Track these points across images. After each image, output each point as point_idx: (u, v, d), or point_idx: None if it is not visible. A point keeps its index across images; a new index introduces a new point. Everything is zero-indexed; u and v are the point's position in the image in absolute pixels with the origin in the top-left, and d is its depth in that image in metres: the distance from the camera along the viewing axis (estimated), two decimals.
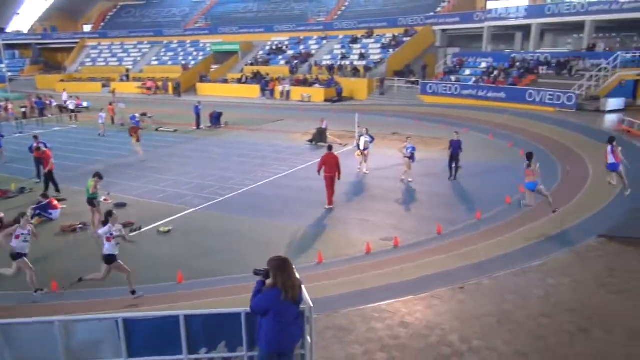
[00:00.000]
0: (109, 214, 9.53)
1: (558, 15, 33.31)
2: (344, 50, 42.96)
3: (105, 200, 14.88)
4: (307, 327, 5.05)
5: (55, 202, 14.21)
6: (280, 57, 46.10)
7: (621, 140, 16.14)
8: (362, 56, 41.06)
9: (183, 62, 50.25)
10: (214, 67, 48.08)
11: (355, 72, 39.05)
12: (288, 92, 39.17)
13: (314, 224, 13.50)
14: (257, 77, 42.69)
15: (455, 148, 16.56)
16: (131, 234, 12.52)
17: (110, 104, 31.19)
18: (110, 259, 9.36)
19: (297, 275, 4.94)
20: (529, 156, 12.12)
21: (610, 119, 24.22)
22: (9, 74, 49.84)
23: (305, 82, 39.70)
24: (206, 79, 45.65)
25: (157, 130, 28.26)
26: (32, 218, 12.50)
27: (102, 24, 62.91)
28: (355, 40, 43.43)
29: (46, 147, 17.10)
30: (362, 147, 17.94)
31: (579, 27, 33.11)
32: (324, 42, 45.78)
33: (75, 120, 32.13)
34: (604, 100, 26.45)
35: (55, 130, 29.04)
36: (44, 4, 62.03)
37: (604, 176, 14.14)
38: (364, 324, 7.54)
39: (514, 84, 30.73)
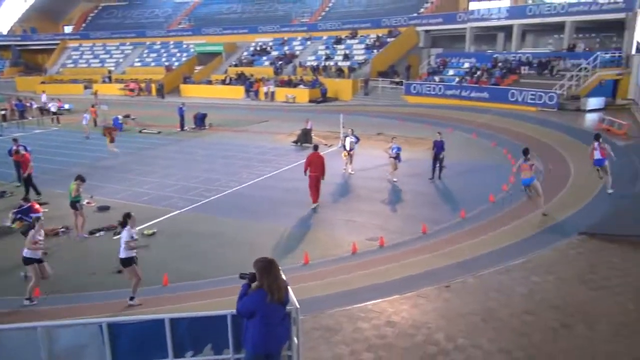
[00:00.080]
0: (128, 215, 9.33)
1: (539, 16, 33.75)
2: (328, 51, 43.01)
3: (88, 203, 14.69)
4: (293, 328, 5.06)
5: (37, 206, 13.96)
6: (264, 58, 45.99)
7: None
8: (346, 57, 41.15)
9: (166, 63, 49.88)
10: (198, 68, 47.77)
11: (339, 72, 39.12)
12: (272, 93, 39.09)
13: (300, 224, 13.50)
14: (241, 78, 42.53)
15: (439, 148, 16.67)
16: (114, 238, 12.40)
17: (93, 106, 30.80)
18: (128, 262, 9.24)
19: (284, 277, 4.94)
20: (525, 152, 12.43)
21: (590, 118, 24.61)
22: None
23: (289, 83, 39.65)
24: (190, 80, 45.34)
25: (140, 132, 28.01)
26: (12, 222, 12.31)
27: (84, 24, 62.09)
28: (339, 41, 43.50)
29: (26, 150, 16.85)
30: (347, 148, 17.99)
31: (559, 27, 33.58)
32: (308, 42, 45.79)
33: (57, 122, 31.69)
34: (584, 100, 26.87)
35: (36, 133, 28.63)
36: (23, 4, 61.10)
37: (587, 174, 14.44)
38: (350, 324, 7.56)
39: (496, 84, 31.05)
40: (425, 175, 17.15)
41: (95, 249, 12.19)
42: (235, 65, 45.84)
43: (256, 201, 15.43)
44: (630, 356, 6.45)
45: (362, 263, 10.73)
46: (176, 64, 49.56)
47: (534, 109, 27.56)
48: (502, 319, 7.53)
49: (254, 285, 4.81)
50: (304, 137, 23.13)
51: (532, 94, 28.19)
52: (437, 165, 16.81)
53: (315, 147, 15.41)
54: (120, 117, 29.43)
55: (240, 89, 41.31)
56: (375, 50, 40.24)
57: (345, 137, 18.49)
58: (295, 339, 5.09)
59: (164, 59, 51.27)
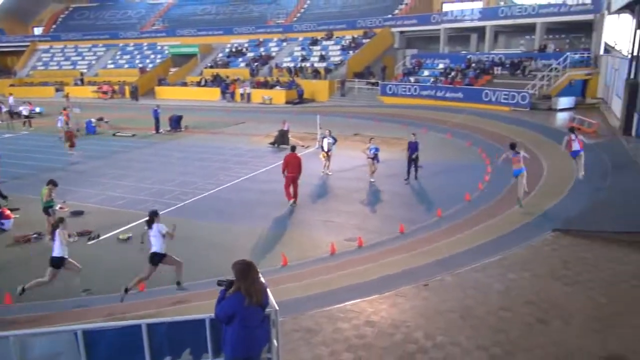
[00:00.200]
0: (155, 213, 9.35)
1: (510, 17, 34.40)
2: (304, 52, 43.02)
3: (60, 208, 14.37)
4: (273, 330, 5.03)
5: (8, 212, 13.66)
6: (240, 59, 45.74)
7: None
8: (322, 58, 41.22)
9: (140, 65, 49.15)
10: (173, 70, 47.23)
11: (315, 73, 39.16)
12: (249, 95, 38.91)
13: (278, 226, 13.46)
14: (217, 80, 42.23)
15: (413, 150, 16.74)
16: (88, 243, 12.18)
17: (64, 109, 30.14)
18: (162, 256, 9.25)
19: (262, 279, 4.92)
20: (513, 146, 13.16)
21: (561, 117, 25.15)
22: None
23: (266, 84, 39.53)
24: (165, 82, 44.81)
25: (114, 135, 27.57)
26: None
27: (54, 26, 60.80)
28: (315, 42, 43.55)
29: None
30: (325, 149, 18.01)
31: (530, 28, 34.30)
32: (284, 44, 45.72)
33: (29, 126, 30.93)
34: (555, 99, 27.47)
35: (6, 137, 27.90)
36: None
37: (559, 172, 14.71)
38: (330, 324, 7.56)
39: (470, 84, 31.50)
40: (402, 175, 17.27)
41: (69, 254, 11.91)
42: (211, 67, 45.49)
43: (233, 203, 15.33)
44: (605, 350, 6.61)
45: (341, 263, 10.74)
46: (150, 65, 48.92)
47: (507, 108, 28.05)
48: (479, 316, 7.63)
49: (231, 289, 4.77)
50: (281, 138, 23.07)
51: (505, 94, 28.68)
52: (412, 166, 16.93)
53: (293, 148, 15.43)
54: (93, 120, 28.91)
55: (216, 91, 41.02)
56: (351, 51, 40.42)
57: (323, 138, 18.52)
58: (274, 341, 5.06)
59: (137, 61, 50.54)
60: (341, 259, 11.12)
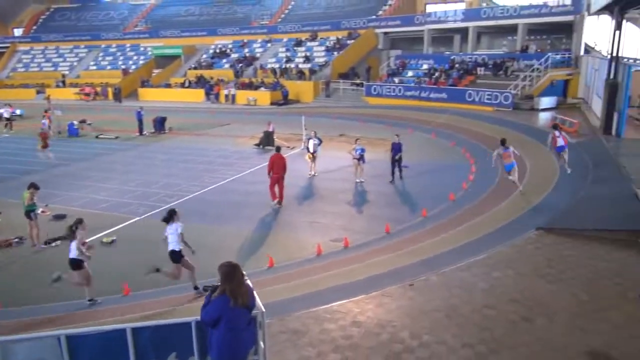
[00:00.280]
0: (174, 211, 9.43)
1: (493, 18, 34.79)
2: (288, 53, 43.00)
3: (43, 212, 14.14)
4: (259, 332, 5.02)
5: None
6: (224, 60, 45.56)
7: None
8: (307, 59, 41.22)
9: (123, 67, 48.70)
10: (156, 71, 46.84)
11: (300, 74, 39.15)
12: (233, 96, 38.77)
13: (264, 227, 13.43)
14: (201, 81, 42.00)
15: (397, 150, 16.79)
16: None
17: (46, 111, 29.68)
18: (179, 255, 9.34)
19: (248, 281, 4.90)
20: (503, 142, 13.89)
21: (543, 117, 25.48)
22: None
23: (250, 86, 39.42)
24: (148, 84, 44.45)
25: (97, 137, 27.26)
26: None
27: (34, 27, 59.95)
28: (299, 43, 43.54)
29: None
30: (311, 150, 18.01)
31: (512, 29, 34.72)
32: (269, 45, 45.64)
33: (10, 129, 30.42)
34: (537, 99, 27.85)
35: None
36: None
37: (542, 171, 14.89)
38: (317, 325, 7.56)
39: (454, 85, 31.75)
40: (388, 176, 17.33)
41: (52, 259, 11.75)
42: (195, 68, 45.24)
43: (218, 205, 15.25)
44: (588, 346, 6.70)
45: (327, 264, 10.75)
46: (133, 67, 48.50)
47: (491, 108, 28.33)
48: (465, 315, 7.69)
49: (216, 292, 4.75)
50: (266, 139, 23.01)
51: (488, 94, 28.97)
52: (396, 166, 16.99)
53: (278, 149, 15.45)
54: (75, 122, 28.54)
55: (200, 92, 40.82)
56: (335, 52, 40.49)
57: (309, 139, 18.52)
58: (261, 343, 5.05)
59: (120, 62, 50.07)
60: (327, 259, 11.12)
